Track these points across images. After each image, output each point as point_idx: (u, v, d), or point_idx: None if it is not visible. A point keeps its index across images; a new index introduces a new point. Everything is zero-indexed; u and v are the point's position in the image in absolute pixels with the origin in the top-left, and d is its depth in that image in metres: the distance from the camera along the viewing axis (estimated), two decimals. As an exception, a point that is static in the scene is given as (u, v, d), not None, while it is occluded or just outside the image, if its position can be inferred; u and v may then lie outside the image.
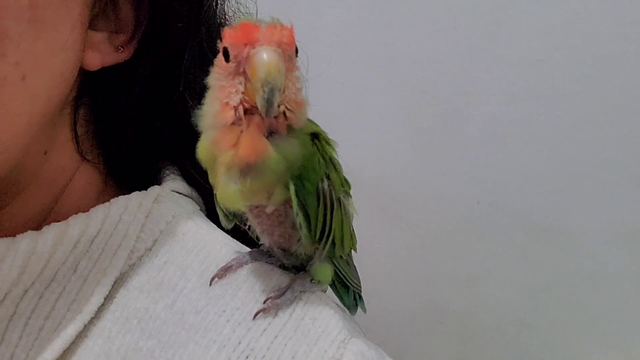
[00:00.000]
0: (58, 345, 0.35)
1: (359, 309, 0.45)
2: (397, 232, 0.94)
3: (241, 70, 0.29)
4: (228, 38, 0.30)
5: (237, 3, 0.50)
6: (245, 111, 0.30)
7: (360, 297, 0.45)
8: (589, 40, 0.73)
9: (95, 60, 0.38)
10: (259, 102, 0.28)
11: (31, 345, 0.35)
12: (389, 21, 0.87)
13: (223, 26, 0.47)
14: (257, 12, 0.51)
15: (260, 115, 0.29)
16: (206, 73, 0.45)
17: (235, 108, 0.30)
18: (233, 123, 0.30)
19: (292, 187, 0.32)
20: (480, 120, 0.83)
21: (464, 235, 0.88)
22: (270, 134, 0.30)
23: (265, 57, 0.28)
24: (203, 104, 0.33)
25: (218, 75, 0.31)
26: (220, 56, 0.31)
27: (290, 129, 0.31)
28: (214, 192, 0.36)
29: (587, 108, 0.75)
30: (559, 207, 0.81)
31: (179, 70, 0.43)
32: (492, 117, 0.82)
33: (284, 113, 0.30)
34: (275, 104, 0.28)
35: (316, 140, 0.34)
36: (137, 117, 0.43)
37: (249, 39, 0.29)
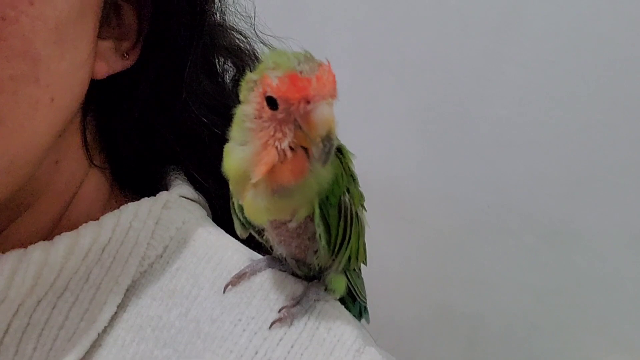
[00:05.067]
0: (72, 355, 0.35)
1: (363, 320, 0.45)
2: (407, 234, 0.93)
3: (292, 119, 0.29)
4: (278, 91, 0.29)
5: (235, 2, 0.50)
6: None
7: (365, 309, 0.45)
8: (601, 41, 0.72)
9: (102, 69, 0.38)
10: (317, 153, 0.29)
11: (46, 356, 0.35)
12: (399, 23, 0.87)
13: (221, 25, 0.47)
14: (254, 12, 0.50)
15: (304, 150, 0.30)
16: (209, 78, 0.45)
17: (282, 150, 0.30)
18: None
19: (316, 200, 0.32)
20: (491, 122, 0.82)
21: (474, 238, 0.88)
22: None
23: (325, 114, 0.28)
24: (229, 137, 0.33)
25: (257, 118, 0.31)
26: (261, 102, 0.30)
27: None
28: (232, 200, 0.36)
29: (598, 110, 0.74)
30: (569, 210, 0.80)
31: (182, 75, 0.43)
32: (503, 120, 0.81)
33: None
34: (332, 154, 0.29)
35: (339, 154, 0.34)
36: (141, 122, 0.43)
37: (304, 95, 0.28)
